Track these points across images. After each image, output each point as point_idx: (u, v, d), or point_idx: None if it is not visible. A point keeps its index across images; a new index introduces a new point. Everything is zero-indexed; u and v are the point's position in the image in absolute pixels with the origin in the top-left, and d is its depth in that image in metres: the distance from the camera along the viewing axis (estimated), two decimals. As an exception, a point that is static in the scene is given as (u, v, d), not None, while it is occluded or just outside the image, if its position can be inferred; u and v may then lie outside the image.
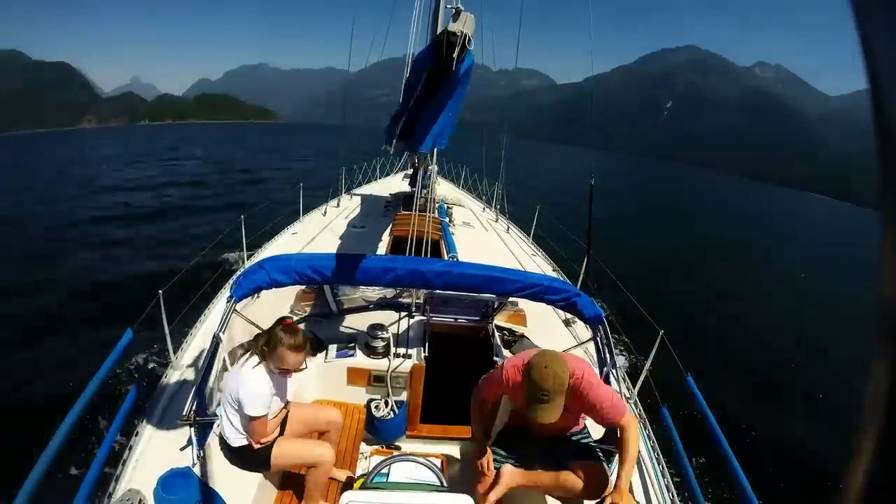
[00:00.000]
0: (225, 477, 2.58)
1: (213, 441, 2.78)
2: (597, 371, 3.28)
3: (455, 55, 2.61)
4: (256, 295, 3.72)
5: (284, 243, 6.84)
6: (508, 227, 9.00)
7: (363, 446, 3.65)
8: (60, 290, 10.51)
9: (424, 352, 3.91)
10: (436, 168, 8.27)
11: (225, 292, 4.59)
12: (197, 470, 2.49)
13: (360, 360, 3.89)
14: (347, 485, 3.05)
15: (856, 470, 0.25)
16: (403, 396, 3.83)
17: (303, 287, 4.37)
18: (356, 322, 4.35)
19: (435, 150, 6.55)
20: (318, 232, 7.44)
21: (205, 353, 2.94)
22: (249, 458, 2.64)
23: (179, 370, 3.53)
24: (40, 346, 8.05)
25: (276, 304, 4.40)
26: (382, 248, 6.68)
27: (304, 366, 2.68)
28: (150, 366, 7.02)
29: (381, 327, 3.96)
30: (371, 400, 3.79)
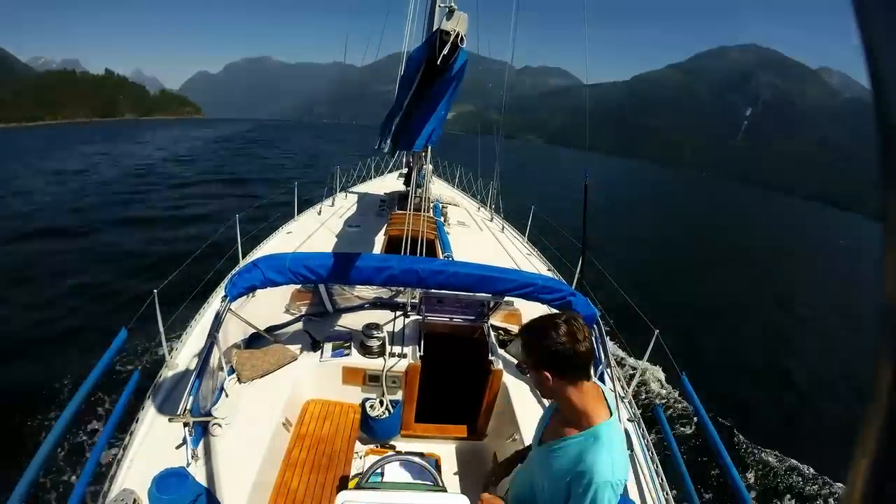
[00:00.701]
0: (220, 477, 2.58)
1: (207, 440, 2.77)
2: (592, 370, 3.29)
3: (446, 52, 2.62)
4: (251, 294, 3.70)
5: (279, 242, 6.82)
6: (503, 227, 9.01)
7: (358, 446, 3.65)
8: (54, 290, 10.44)
9: (420, 351, 3.91)
10: (431, 167, 8.27)
11: (220, 292, 4.58)
12: (192, 469, 2.48)
13: (356, 359, 3.89)
14: (343, 485, 3.05)
15: (857, 470, 0.25)
16: (398, 396, 3.84)
17: (298, 286, 4.36)
18: (351, 321, 4.35)
19: (429, 148, 6.56)
20: (313, 231, 7.42)
21: (200, 353, 2.93)
22: None
23: (174, 369, 3.52)
24: (34, 346, 7.99)
25: (271, 303, 4.39)
26: (377, 248, 6.68)
27: None
28: (145, 365, 6.99)
29: (377, 326, 3.96)
30: (366, 399, 3.79)
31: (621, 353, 7.77)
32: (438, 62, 2.65)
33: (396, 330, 4.11)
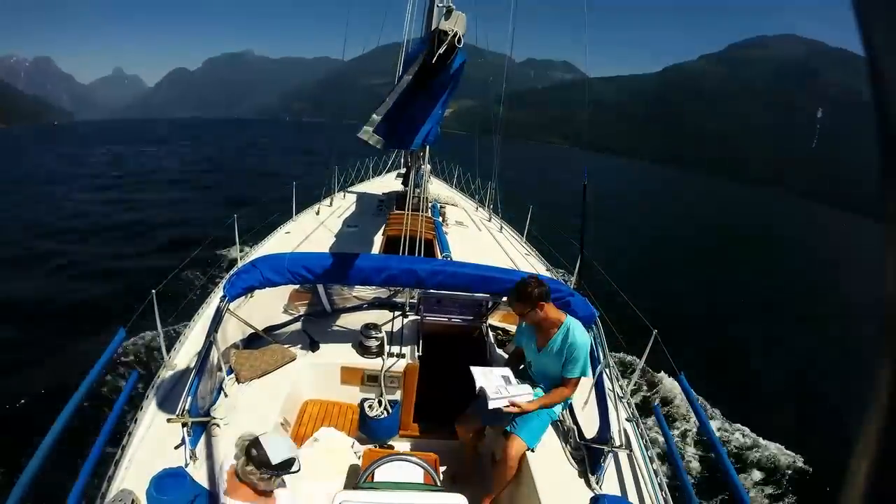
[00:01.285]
0: (218, 477, 2.57)
1: (205, 441, 2.77)
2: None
3: (443, 51, 2.62)
4: (250, 294, 3.70)
5: (277, 242, 6.81)
6: (502, 227, 9.01)
7: (356, 446, 3.65)
8: (52, 291, 10.42)
9: (418, 351, 3.91)
10: (429, 167, 8.26)
11: (218, 292, 4.58)
12: (190, 470, 2.48)
13: (354, 359, 3.89)
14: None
15: (857, 470, 0.25)
16: (397, 396, 3.83)
17: (296, 286, 4.36)
18: (350, 321, 4.35)
19: (427, 148, 6.55)
20: (312, 231, 7.41)
21: (198, 353, 2.93)
22: None
23: (172, 370, 3.51)
24: (32, 346, 7.97)
25: (270, 303, 4.38)
26: (376, 248, 6.67)
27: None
28: (144, 365, 6.97)
29: (375, 327, 3.96)
30: (364, 399, 3.79)
31: (620, 354, 7.78)
32: (436, 62, 2.66)
33: (395, 330, 4.11)
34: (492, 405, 2.92)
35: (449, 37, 2.58)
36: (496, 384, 3.05)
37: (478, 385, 3.02)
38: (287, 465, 2.08)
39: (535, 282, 3.02)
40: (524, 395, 3.08)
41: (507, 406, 2.93)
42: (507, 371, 3.24)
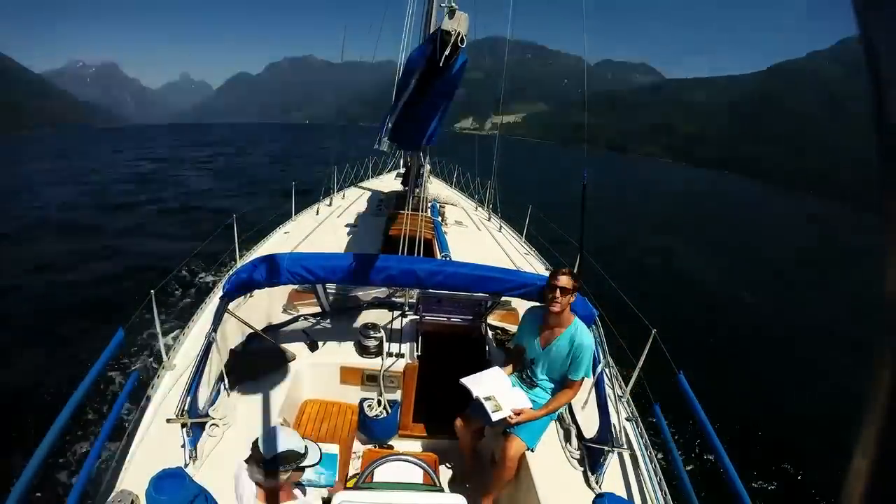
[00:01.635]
0: (218, 477, 2.57)
1: (205, 441, 2.77)
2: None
3: (447, 53, 2.62)
4: (249, 294, 3.71)
5: (277, 242, 6.80)
6: (501, 227, 9.01)
7: (356, 446, 3.65)
8: (51, 291, 10.41)
9: (417, 351, 3.91)
10: (428, 167, 8.26)
11: (217, 292, 4.57)
12: (189, 470, 2.47)
13: (353, 359, 3.88)
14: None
15: (857, 470, 0.25)
16: (396, 396, 3.84)
17: (295, 286, 4.36)
18: (349, 321, 4.35)
19: (427, 148, 6.55)
20: (311, 231, 7.42)
21: (198, 354, 2.92)
22: None
23: (171, 370, 3.51)
24: (31, 346, 7.96)
25: (269, 303, 4.38)
26: (375, 248, 6.67)
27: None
28: (143, 366, 6.97)
29: (374, 327, 3.96)
30: (364, 399, 3.79)
31: (619, 353, 7.76)
32: (441, 63, 2.65)
33: (394, 330, 4.11)
34: (495, 418, 2.96)
35: (452, 37, 2.58)
36: (490, 392, 3.09)
37: (474, 395, 3.07)
38: (281, 461, 2.05)
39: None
40: (520, 399, 3.13)
41: (512, 417, 2.98)
42: (498, 372, 3.30)
